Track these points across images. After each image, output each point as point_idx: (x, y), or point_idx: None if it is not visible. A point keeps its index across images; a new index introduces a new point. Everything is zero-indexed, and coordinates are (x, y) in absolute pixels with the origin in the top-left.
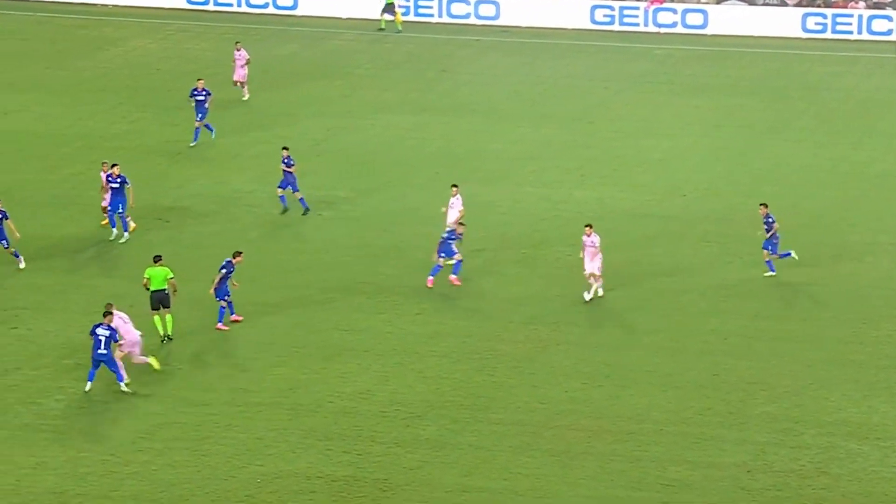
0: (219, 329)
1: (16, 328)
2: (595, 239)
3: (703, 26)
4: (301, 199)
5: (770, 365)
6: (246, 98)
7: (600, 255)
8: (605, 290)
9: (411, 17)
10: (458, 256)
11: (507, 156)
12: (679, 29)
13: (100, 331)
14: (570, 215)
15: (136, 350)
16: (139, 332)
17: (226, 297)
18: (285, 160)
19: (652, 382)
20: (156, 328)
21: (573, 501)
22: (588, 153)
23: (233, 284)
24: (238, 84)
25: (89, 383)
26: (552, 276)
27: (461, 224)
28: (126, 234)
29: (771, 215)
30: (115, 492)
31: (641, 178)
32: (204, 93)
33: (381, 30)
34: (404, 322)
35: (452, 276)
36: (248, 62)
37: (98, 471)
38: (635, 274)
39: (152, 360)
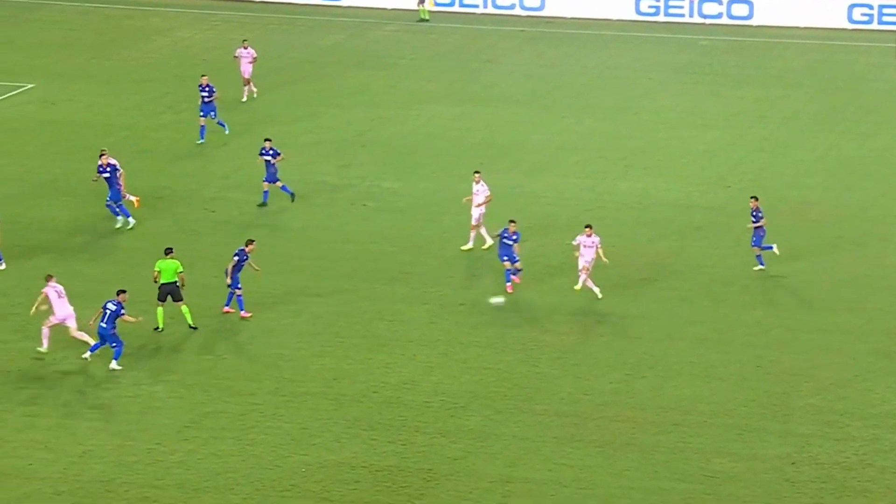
0: (242, 317)
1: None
2: (595, 240)
3: (749, 17)
4: (283, 187)
5: (814, 357)
6: (245, 100)
7: (597, 253)
8: (650, 280)
9: (456, 8)
10: (518, 265)
11: (551, 146)
12: (724, 20)
13: (109, 305)
14: (614, 206)
15: (71, 324)
16: (72, 308)
17: (239, 287)
18: (267, 152)
19: (695, 374)
20: (157, 320)
21: (616, 492)
22: (632, 144)
23: (254, 269)
24: (246, 82)
25: (89, 353)
26: (595, 267)
27: (511, 222)
28: (130, 219)
29: (760, 209)
30: (161, 480)
31: (685, 169)
32: (208, 89)
33: (423, 20)
34: (448, 312)
35: (509, 283)
36: (254, 60)
37: (144, 459)
38: (679, 265)
39: (87, 338)
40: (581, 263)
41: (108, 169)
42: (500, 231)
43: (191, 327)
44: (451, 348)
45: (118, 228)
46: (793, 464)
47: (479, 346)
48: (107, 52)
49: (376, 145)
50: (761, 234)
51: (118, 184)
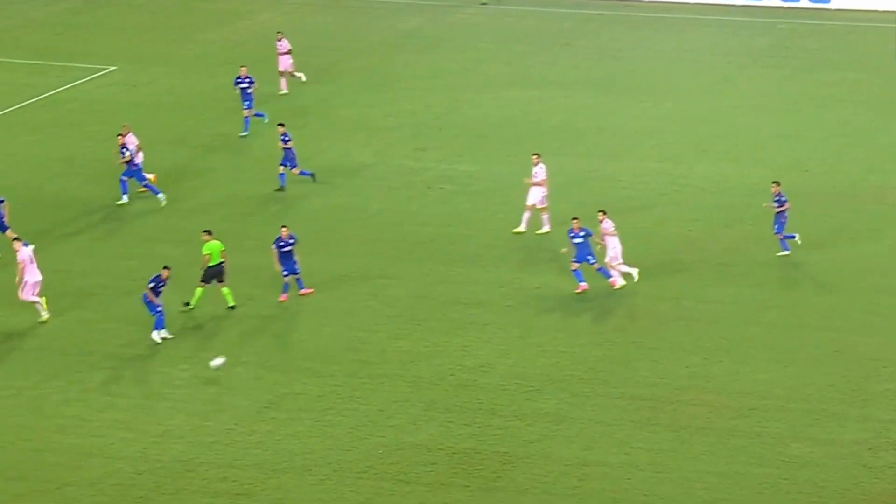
0: (280, 301)
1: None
2: (609, 224)
3: (827, 0)
4: (302, 172)
5: (893, 341)
6: (286, 91)
7: (615, 239)
8: (726, 265)
9: None
10: (596, 264)
11: (629, 130)
12: (803, 3)
13: (156, 279)
14: (690, 190)
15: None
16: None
17: (287, 273)
18: (282, 137)
19: (772, 359)
20: (194, 299)
21: (691, 476)
22: (709, 128)
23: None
24: (287, 74)
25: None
26: (672, 251)
27: (574, 219)
28: (160, 195)
29: (783, 195)
30: (240, 461)
31: (763, 153)
32: (247, 80)
33: (484, 4)
34: (524, 296)
35: (611, 279)
36: (289, 51)
37: (223, 440)
38: (755, 250)
39: (44, 305)
40: (610, 254)
41: (128, 148)
42: (569, 235)
43: (230, 308)
44: (527, 332)
45: (120, 205)
46: (870, 449)
47: (555, 330)
48: (187, 36)
49: (453, 128)
50: (783, 220)
51: (134, 164)
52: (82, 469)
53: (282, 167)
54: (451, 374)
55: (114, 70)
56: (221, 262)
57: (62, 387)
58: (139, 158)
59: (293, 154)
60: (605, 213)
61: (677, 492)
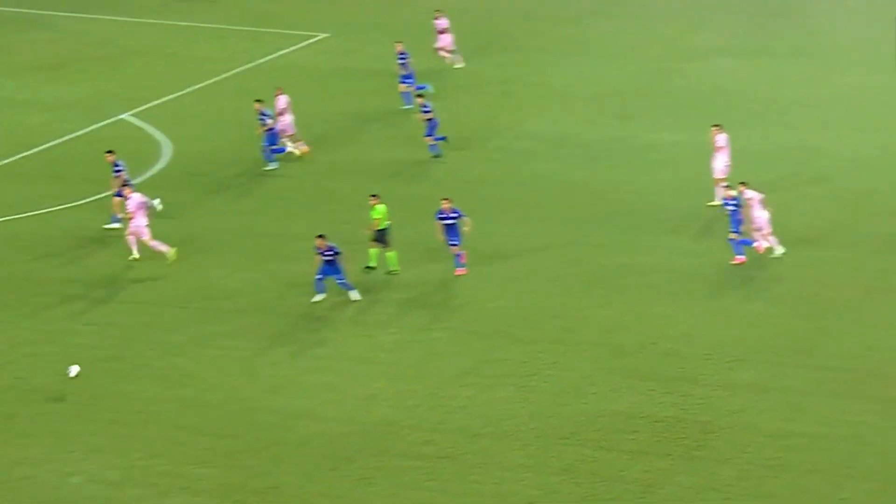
0: (457, 275)
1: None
2: (752, 194)
3: None
4: (433, 145)
5: None
6: (461, 65)
7: (761, 209)
8: None
9: None
10: (738, 235)
11: (838, 101)
12: None
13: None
14: None
15: (144, 235)
16: (146, 223)
17: (452, 245)
18: (423, 108)
19: None
20: (371, 259)
21: (893, 448)
22: None
23: (464, 225)
24: (445, 52)
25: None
26: (879, 222)
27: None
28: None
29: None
30: (443, 424)
31: None
32: (403, 56)
33: None
34: (727, 265)
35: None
36: (447, 30)
37: (426, 403)
38: None
39: (171, 252)
40: (757, 224)
41: (267, 115)
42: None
43: (392, 272)
44: (728, 301)
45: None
46: None
47: (758, 300)
48: (400, 2)
49: (659, 97)
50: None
51: (274, 129)
52: (291, 429)
53: (428, 138)
54: (653, 343)
55: (326, 37)
56: (387, 226)
57: (272, 349)
58: (286, 121)
59: (435, 123)
60: (745, 185)
61: (880, 465)
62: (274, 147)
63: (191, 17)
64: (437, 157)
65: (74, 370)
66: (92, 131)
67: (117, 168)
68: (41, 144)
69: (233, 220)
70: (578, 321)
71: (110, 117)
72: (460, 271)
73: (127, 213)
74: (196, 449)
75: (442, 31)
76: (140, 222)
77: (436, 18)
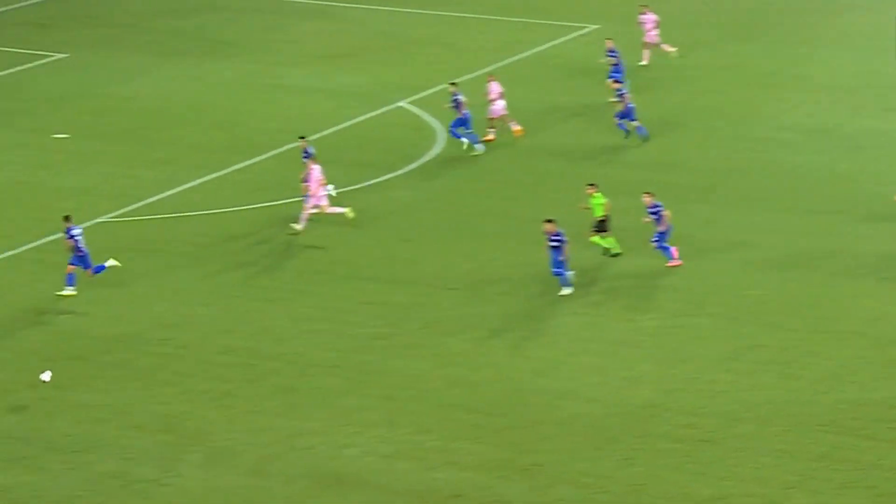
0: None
1: (619, 255)
2: None
3: None
4: (620, 124)
5: None
6: (646, 63)
7: None
8: None
9: None
10: None
11: None
12: None
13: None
14: None
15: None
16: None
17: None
18: (618, 92)
19: None
20: (603, 245)
21: None
22: None
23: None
24: (652, 46)
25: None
26: None
27: None
28: (478, 146)
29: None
30: (703, 409)
31: None
32: (612, 54)
33: None
34: None
35: None
36: (656, 24)
37: (687, 387)
38: None
39: (348, 210)
40: None
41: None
42: None
43: (614, 254)
44: None
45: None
46: None
47: None
48: None
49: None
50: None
51: (463, 112)
52: (555, 409)
53: (620, 119)
54: None
55: (596, 28)
56: (605, 216)
57: (537, 331)
58: (498, 107)
59: (630, 108)
60: None
61: None
62: (468, 132)
63: (467, 8)
64: (627, 136)
65: (46, 376)
66: (371, 118)
67: (307, 154)
68: (325, 129)
69: (498, 205)
70: (839, 310)
71: (389, 104)
72: (673, 263)
73: (307, 186)
74: (464, 425)
75: (649, 27)
76: (318, 193)
77: (641, 14)
